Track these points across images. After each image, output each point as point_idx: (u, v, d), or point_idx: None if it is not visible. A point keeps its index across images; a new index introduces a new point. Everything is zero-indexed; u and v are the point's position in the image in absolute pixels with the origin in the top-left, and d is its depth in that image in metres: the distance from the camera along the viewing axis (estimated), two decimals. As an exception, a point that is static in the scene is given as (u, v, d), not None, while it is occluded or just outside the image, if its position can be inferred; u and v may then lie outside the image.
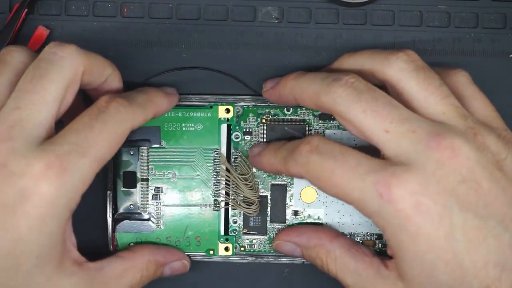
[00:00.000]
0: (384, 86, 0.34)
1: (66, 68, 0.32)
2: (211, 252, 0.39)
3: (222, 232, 0.39)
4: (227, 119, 0.39)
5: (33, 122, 0.31)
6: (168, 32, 0.40)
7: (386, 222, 0.31)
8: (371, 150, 0.33)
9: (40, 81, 0.32)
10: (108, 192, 0.39)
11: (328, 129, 0.39)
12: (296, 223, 0.39)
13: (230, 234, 0.40)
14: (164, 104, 0.37)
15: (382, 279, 0.33)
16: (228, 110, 0.39)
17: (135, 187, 0.39)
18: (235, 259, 0.40)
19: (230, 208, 0.40)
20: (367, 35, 0.40)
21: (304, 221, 0.40)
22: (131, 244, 0.39)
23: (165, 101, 0.37)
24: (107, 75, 0.36)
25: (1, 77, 0.33)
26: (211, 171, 0.39)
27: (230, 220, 0.40)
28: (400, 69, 0.33)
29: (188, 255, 0.39)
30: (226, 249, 0.39)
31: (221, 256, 0.39)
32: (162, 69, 0.40)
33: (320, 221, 0.39)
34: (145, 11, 0.40)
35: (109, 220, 0.39)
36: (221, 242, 0.39)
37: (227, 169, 0.39)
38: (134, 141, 0.39)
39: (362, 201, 0.31)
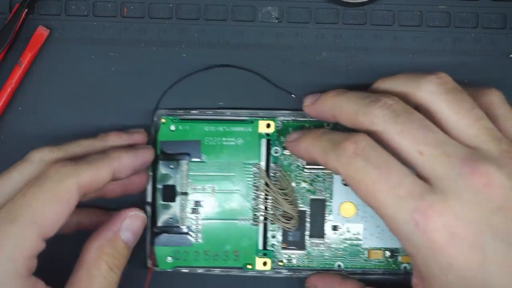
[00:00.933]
0: (418, 108, 0.34)
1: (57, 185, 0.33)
2: (249, 266, 0.39)
3: (260, 247, 0.39)
4: (268, 134, 0.39)
5: None
6: (168, 32, 0.40)
7: (416, 250, 0.31)
8: None
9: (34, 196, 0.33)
10: (146, 206, 0.39)
11: None
12: (334, 244, 0.40)
13: (268, 248, 0.40)
14: (125, 158, 0.36)
15: None
16: (268, 125, 0.39)
17: (174, 200, 0.39)
18: (272, 274, 0.39)
19: (268, 223, 0.39)
20: (367, 35, 0.40)
21: (342, 236, 0.40)
22: (169, 257, 0.39)
23: (128, 156, 0.36)
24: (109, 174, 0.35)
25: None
26: (250, 185, 0.39)
27: (269, 235, 0.39)
28: (431, 92, 0.33)
29: (225, 268, 0.39)
30: (264, 263, 0.39)
31: (258, 271, 0.39)
32: (162, 69, 0.40)
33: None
34: (145, 11, 0.40)
35: (148, 233, 0.39)
36: (259, 257, 0.39)
37: (266, 184, 0.39)
38: (174, 154, 0.39)
39: (395, 220, 0.31)
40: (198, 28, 0.40)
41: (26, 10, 0.39)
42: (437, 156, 0.31)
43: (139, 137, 0.38)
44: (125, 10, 0.40)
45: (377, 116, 0.33)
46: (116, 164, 0.35)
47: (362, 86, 0.38)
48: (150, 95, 0.39)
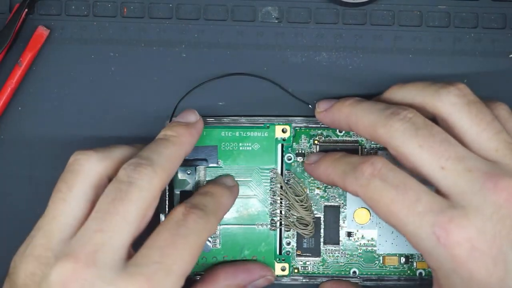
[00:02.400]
0: (435, 119, 0.34)
1: (145, 189, 0.32)
2: None
3: (279, 252, 0.39)
4: (284, 138, 0.39)
5: (116, 245, 0.31)
6: (168, 32, 0.40)
7: (439, 264, 0.31)
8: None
9: (122, 203, 0.31)
10: (161, 214, 0.39)
11: (381, 150, 0.39)
12: (349, 250, 0.40)
13: (283, 254, 0.40)
14: (230, 203, 0.37)
15: None
16: (284, 130, 0.39)
17: None
18: (288, 280, 0.39)
19: (283, 230, 0.39)
20: (367, 35, 0.40)
21: (357, 243, 0.40)
22: None
23: (232, 199, 0.37)
24: (183, 158, 0.35)
25: (75, 190, 0.32)
26: (268, 190, 0.39)
27: (284, 242, 0.39)
28: (451, 104, 0.33)
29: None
30: (283, 269, 0.39)
31: (277, 276, 0.39)
32: (162, 69, 0.40)
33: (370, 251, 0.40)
34: (145, 11, 0.40)
35: None
36: (277, 262, 0.39)
37: (281, 187, 0.39)
38: (191, 160, 0.39)
39: (416, 237, 0.31)
40: (198, 28, 0.40)
41: (26, 10, 0.39)
42: (459, 171, 0.31)
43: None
44: (125, 10, 0.40)
45: (397, 130, 0.33)
46: (226, 211, 0.37)
47: (363, 86, 0.38)
48: (150, 95, 0.39)
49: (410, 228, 0.32)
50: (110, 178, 0.33)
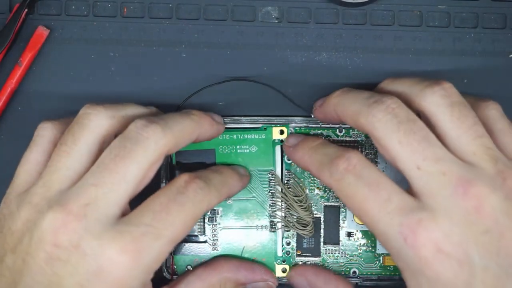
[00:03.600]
0: (419, 115, 0.34)
1: (151, 149, 0.32)
2: None
3: (279, 254, 0.39)
4: (281, 140, 0.39)
5: (109, 201, 0.31)
6: (168, 32, 0.40)
7: (405, 264, 0.31)
8: None
9: (123, 160, 0.31)
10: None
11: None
12: (347, 247, 0.40)
13: (283, 255, 0.40)
14: (237, 186, 0.37)
15: None
16: (282, 132, 0.39)
17: None
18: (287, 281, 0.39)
19: (282, 230, 0.39)
20: (367, 35, 0.40)
21: (357, 243, 0.40)
22: (189, 266, 0.39)
23: (239, 184, 0.37)
24: (194, 139, 0.35)
25: (80, 144, 0.33)
26: (266, 192, 0.39)
27: (284, 242, 0.40)
28: (435, 104, 0.33)
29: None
30: (283, 270, 0.39)
31: (277, 278, 0.39)
32: (162, 69, 0.40)
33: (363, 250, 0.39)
34: (145, 11, 0.40)
35: None
36: (278, 264, 0.39)
37: (281, 190, 0.39)
38: (189, 164, 0.39)
39: (385, 235, 0.32)
40: (198, 28, 0.40)
41: (26, 10, 0.39)
42: (433, 173, 0.31)
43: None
44: (125, 10, 0.40)
45: (380, 120, 0.33)
46: (231, 192, 0.37)
47: (363, 86, 0.38)
48: (150, 95, 0.39)
49: (379, 227, 0.32)
50: (117, 136, 0.33)
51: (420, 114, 0.34)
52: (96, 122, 0.33)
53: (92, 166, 0.32)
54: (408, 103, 0.34)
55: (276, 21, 0.40)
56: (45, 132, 0.35)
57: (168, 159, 0.39)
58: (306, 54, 0.40)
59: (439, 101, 0.33)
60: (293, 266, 0.39)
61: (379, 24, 0.40)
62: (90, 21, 0.40)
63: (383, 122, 0.32)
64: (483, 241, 0.30)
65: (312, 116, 0.39)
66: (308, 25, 0.40)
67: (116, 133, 0.34)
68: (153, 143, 0.32)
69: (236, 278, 0.37)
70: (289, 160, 0.39)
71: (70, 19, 0.40)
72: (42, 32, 0.39)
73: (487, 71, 0.40)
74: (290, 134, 0.39)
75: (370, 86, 0.39)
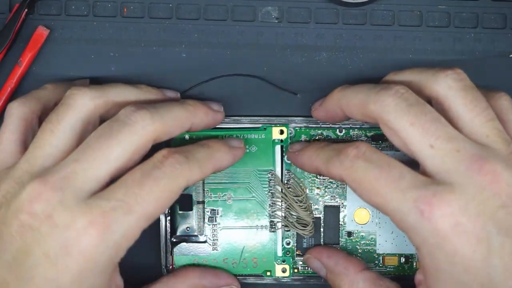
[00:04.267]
0: (429, 102, 0.34)
1: (137, 134, 0.32)
2: (268, 273, 0.39)
3: (279, 254, 0.39)
4: (281, 140, 0.39)
5: (87, 177, 0.31)
6: (168, 32, 0.40)
7: (423, 240, 0.31)
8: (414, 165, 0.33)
9: (107, 140, 0.32)
10: (165, 215, 0.39)
11: (381, 150, 0.39)
12: (348, 246, 0.40)
13: (283, 255, 0.40)
14: (226, 160, 0.36)
15: None
16: (282, 131, 0.39)
17: (191, 210, 0.39)
18: (289, 281, 0.40)
19: (282, 230, 0.39)
20: (367, 35, 0.40)
21: (357, 243, 0.40)
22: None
23: (228, 157, 0.36)
24: (187, 128, 0.35)
25: (64, 123, 0.33)
26: (266, 192, 0.39)
27: (283, 242, 0.40)
28: (448, 87, 0.33)
29: (242, 276, 0.39)
30: (283, 270, 0.39)
31: (278, 277, 0.39)
32: (162, 69, 0.40)
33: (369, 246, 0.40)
34: (145, 11, 0.40)
35: (166, 242, 0.39)
36: (278, 264, 0.39)
37: (281, 190, 0.39)
38: None
39: (400, 213, 0.31)
40: (198, 28, 0.40)
41: (26, 10, 0.39)
42: (447, 151, 0.31)
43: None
44: (125, 10, 0.40)
45: (389, 105, 0.33)
46: (219, 166, 0.35)
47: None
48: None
49: (393, 205, 0.31)
50: (102, 118, 0.34)
51: (432, 102, 0.34)
52: (81, 101, 0.34)
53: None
54: (417, 91, 0.34)
55: (276, 21, 0.40)
56: (13, 110, 0.35)
57: None
58: (306, 54, 0.40)
59: (452, 84, 0.33)
60: (310, 249, 0.39)
61: (379, 24, 0.40)
62: (90, 21, 0.40)
63: (393, 105, 0.33)
64: (499, 216, 0.30)
65: (312, 116, 0.39)
66: (308, 25, 0.40)
67: (100, 115, 0.34)
68: (140, 128, 0.32)
69: (202, 284, 0.38)
70: (289, 160, 0.39)
71: (70, 19, 0.40)
72: (42, 32, 0.39)
73: (487, 71, 0.40)
74: (293, 142, 0.39)
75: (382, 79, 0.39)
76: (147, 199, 0.31)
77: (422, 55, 0.40)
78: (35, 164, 0.32)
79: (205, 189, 0.39)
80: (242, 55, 0.40)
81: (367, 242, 0.39)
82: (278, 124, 0.39)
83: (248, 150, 0.39)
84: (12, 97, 0.39)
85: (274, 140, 0.39)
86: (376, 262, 0.39)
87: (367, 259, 0.39)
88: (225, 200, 0.39)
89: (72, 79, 0.40)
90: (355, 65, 0.40)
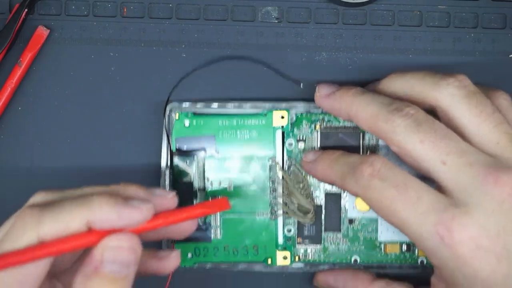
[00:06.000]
0: (433, 112, 0.34)
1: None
2: (269, 261, 0.39)
3: (280, 241, 0.39)
4: (282, 126, 0.39)
5: None
6: (168, 32, 0.40)
7: (443, 263, 0.31)
8: None
9: None
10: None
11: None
12: (349, 236, 0.39)
13: (284, 243, 0.39)
14: (105, 210, 0.29)
15: None
16: (283, 117, 0.39)
17: (192, 197, 0.39)
18: (290, 268, 0.39)
19: (283, 217, 0.39)
20: (367, 35, 0.40)
21: (358, 230, 0.39)
22: (189, 254, 0.39)
23: (110, 209, 0.29)
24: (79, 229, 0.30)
25: None
26: (267, 178, 0.39)
27: (284, 229, 0.39)
28: (450, 95, 0.33)
29: (246, 262, 0.39)
30: (285, 257, 0.39)
31: (279, 265, 0.39)
32: (162, 69, 0.40)
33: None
34: (145, 11, 0.40)
35: None
36: (279, 250, 0.39)
37: (282, 177, 0.39)
38: (189, 151, 0.39)
39: (420, 236, 0.31)
40: (198, 28, 0.40)
41: (26, 10, 0.39)
42: (460, 166, 0.31)
43: (163, 200, 0.32)
44: (125, 10, 0.40)
45: (399, 125, 0.32)
46: (92, 215, 0.29)
47: (363, 86, 0.38)
48: (150, 95, 0.39)
49: (412, 228, 0.31)
50: None
51: (436, 112, 0.34)
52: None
53: None
54: (421, 100, 0.34)
55: (276, 21, 0.40)
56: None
57: (168, 145, 0.39)
58: (306, 54, 0.40)
59: (455, 92, 0.33)
60: (315, 275, 0.39)
61: (379, 24, 0.40)
62: (90, 21, 0.40)
63: (403, 126, 0.32)
64: None
65: (314, 100, 0.38)
66: (308, 25, 0.40)
67: None
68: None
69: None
70: (290, 145, 0.39)
71: (70, 19, 0.40)
72: (42, 32, 0.39)
73: (487, 71, 0.40)
74: (307, 151, 0.38)
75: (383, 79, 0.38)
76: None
77: (422, 55, 0.40)
78: None
79: (206, 176, 0.39)
80: (242, 55, 0.40)
81: (369, 229, 0.39)
82: (279, 109, 0.39)
83: (248, 136, 0.39)
84: (12, 97, 0.39)
85: (274, 126, 0.39)
86: (378, 250, 0.39)
87: (368, 247, 0.39)
88: (226, 187, 0.39)
89: (72, 79, 0.40)
90: (355, 65, 0.40)
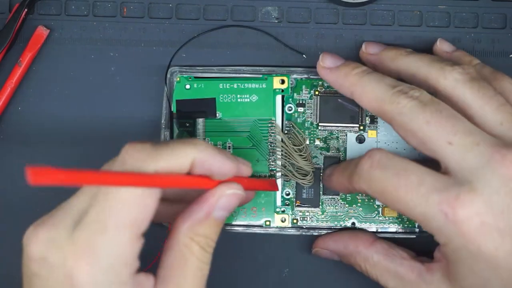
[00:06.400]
0: (436, 95, 0.34)
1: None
2: (268, 223, 0.39)
3: (278, 203, 0.39)
4: (282, 90, 0.39)
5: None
6: (168, 32, 0.40)
7: (448, 240, 0.31)
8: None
9: None
10: None
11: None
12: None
13: (282, 205, 0.39)
14: (212, 154, 0.32)
15: (425, 283, 0.34)
16: (283, 81, 0.39)
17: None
18: (288, 231, 0.39)
19: (282, 180, 0.39)
20: (367, 35, 0.40)
21: (357, 193, 0.39)
22: None
23: (218, 155, 0.32)
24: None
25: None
26: (266, 142, 0.39)
27: (283, 192, 0.39)
28: (455, 80, 0.33)
29: (245, 225, 0.39)
30: (283, 220, 0.39)
31: (277, 227, 0.39)
32: (162, 69, 0.40)
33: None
34: (145, 11, 0.40)
35: None
36: (277, 213, 0.39)
37: (282, 140, 0.39)
38: (190, 113, 0.39)
39: (425, 218, 0.32)
40: (198, 28, 0.40)
41: (26, 10, 0.39)
42: (466, 145, 0.31)
43: (247, 168, 0.34)
44: (125, 10, 0.40)
45: (405, 106, 0.33)
46: (198, 154, 0.31)
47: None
48: (150, 95, 0.39)
49: (418, 211, 0.32)
50: None
51: (439, 95, 0.34)
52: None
53: None
54: (425, 82, 0.34)
55: (276, 21, 0.40)
56: None
57: (168, 106, 0.39)
58: (306, 54, 0.40)
59: (458, 77, 0.33)
60: (315, 242, 0.39)
61: (379, 24, 0.40)
62: (90, 21, 0.40)
63: (408, 107, 0.33)
64: None
65: (316, 69, 0.38)
66: (308, 25, 0.40)
67: None
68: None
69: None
70: (290, 110, 0.39)
71: (70, 19, 0.40)
72: (42, 32, 0.39)
73: (487, 71, 0.40)
74: (326, 170, 0.39)
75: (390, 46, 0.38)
76: (116, 207, 0.29)
77: (422, 55, 0.40)
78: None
79: (206, 138, 0.39)
80: (242, 55, 0.40)
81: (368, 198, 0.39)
82: (279, 73, 0.39)
83: (249, 100, 0.39)
84: (12, 97, 0.39)
85: (275, 89, 0.39)
86: (375, 213, 0.39)
87: (366, 210, 0.39)
88: (225, 148, 0.39)
89: (72, 79, 0.40)
90: (355, 65, 0.40)
